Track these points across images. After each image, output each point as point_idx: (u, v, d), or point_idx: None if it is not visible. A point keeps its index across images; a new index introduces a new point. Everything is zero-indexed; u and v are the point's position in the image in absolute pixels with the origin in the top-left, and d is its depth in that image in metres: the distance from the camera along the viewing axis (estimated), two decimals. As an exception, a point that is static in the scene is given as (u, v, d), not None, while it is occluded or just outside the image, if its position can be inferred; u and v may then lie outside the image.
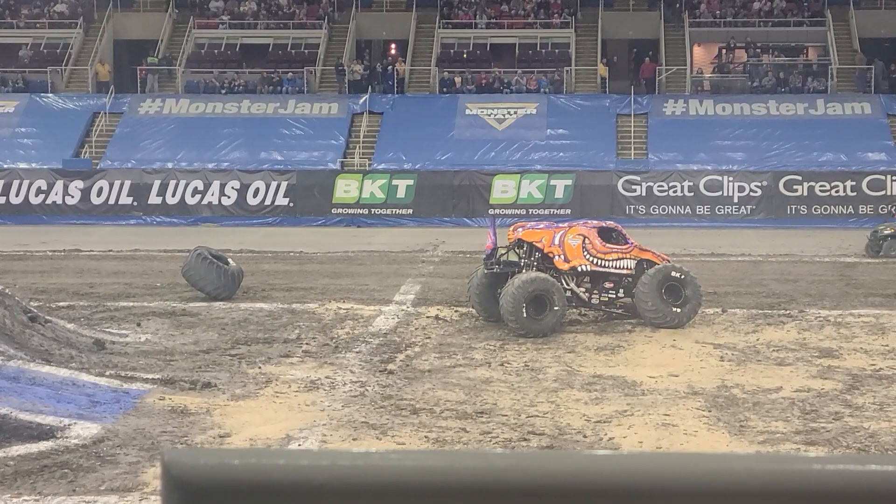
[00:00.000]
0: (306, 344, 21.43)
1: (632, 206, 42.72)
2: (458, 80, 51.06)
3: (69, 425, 15.27)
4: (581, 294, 23.40)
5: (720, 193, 42.93)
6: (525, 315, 21.88)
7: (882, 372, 19.16)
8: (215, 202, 43.97)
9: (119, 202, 44.07)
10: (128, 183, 44.17)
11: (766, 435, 15.53)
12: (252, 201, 43.91)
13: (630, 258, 23.58)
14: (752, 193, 42.86)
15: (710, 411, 16.72)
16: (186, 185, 44.02)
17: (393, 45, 56.87)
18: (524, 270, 23.08)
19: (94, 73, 52.41)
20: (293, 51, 54.09)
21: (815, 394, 17.68)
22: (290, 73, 51.87)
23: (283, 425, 15.83)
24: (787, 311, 24.73)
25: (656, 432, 15.62)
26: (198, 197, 43.98)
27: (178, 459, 1.43)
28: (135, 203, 44.07)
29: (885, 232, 33.39)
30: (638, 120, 48.23)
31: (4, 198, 44.38)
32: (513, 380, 18.70)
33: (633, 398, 17.45)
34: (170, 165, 45.96)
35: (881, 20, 53.75)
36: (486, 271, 23.44)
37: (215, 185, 44.02)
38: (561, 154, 46.64)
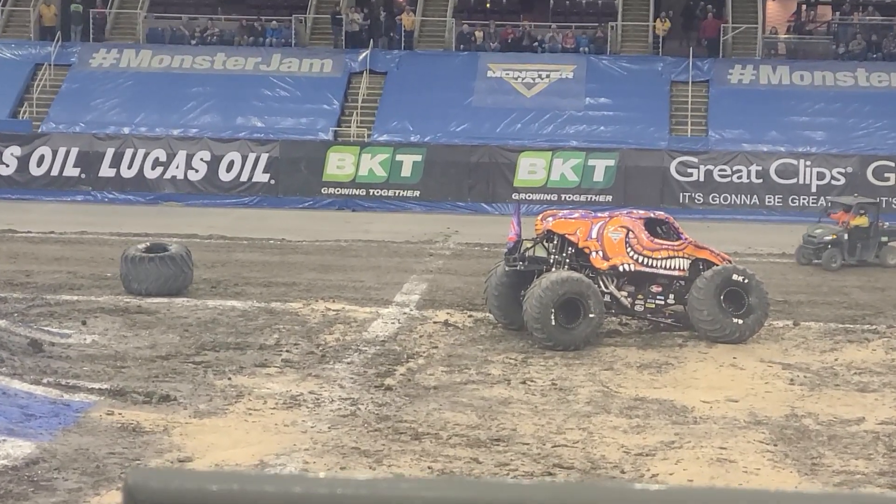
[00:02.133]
0: (287, 351, 21.48)
1: (687, 194, 42.69)
2: (478, 34, 51.04)
3: (-3, 443, 15.32)
4: (622, 299, 23.41)
5: (795, 181, 42.86)
6: (554, 323, 21.90)
7: None
8: (180, 177, 44.01)
9: (64, 173, 44.11)
10: (75, 150, 44.21)
11: (844, 475, 15.54)
12: (225, 177, 43.95)
13: (683, 257, 23.59)
14: (833, 182, 42.79)
15: (775, 445, 16.74)
16: (146, 155, 44.06)
17: (401, -9, 56.86)
18: (554, 269, 23.10)
19: (37, 17, 52.48)
20: (279, -5, 54.14)
21: (905, 427, 17.70)
22: (275, 22, 51.90)
23: (256, 449, 15.88)
24: (873, 326, 24.71)
25: (710, 469, 15.65)
26: (159, 170, 44.02)
27: (145, 482, 1.43)
28: (83, 175, 44.11)
29: (826, 238, 32.25)
30: (697, 88, 48.17)
31: (-75, 165, 44.51)
32: (536, 401, 18.73)
33: (683, 427, 17.48)
34: (126, 131, 46.00)
35: None
36: (507, 269, 23.46)
37: (181, 156, 44.06)
38: (602, 128, 46.62)
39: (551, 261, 23.38)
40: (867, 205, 32.57)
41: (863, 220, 32.02)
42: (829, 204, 34.82)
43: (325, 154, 44.14)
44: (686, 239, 23.83)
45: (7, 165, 44.27)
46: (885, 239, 32.33)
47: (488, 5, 53.35)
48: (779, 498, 1.56)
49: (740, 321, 22.86)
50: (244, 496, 1.52)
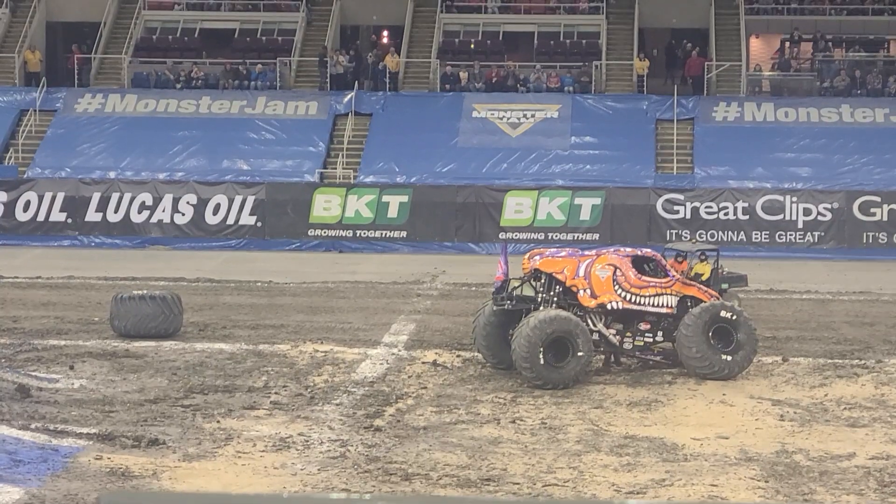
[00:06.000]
0: (275, 394, 21.43)
1: (674, 231, 42.74)
2: (463, 75, 51.16)
3: (-15, 489, 15.26)
4: (611, 337, 23.39)
5: (781, 217, 42.94)
6: (542, 362, 21.87)
7: (977, 436, 19.17)
8: (167, 220, 43.96)
9: (50, 219, 44.05)
10: (61, 196, 44.17)
11: (836, 511, 15.53)
12: (212, 220, 43.92)
13: (671, 294, 23.59)
14: (820, 217, 42.87)
15: (766, 481, 16.71)
16: (132, 200, 44.02)
17: (385, 33, 56.98)
18: (542, 307, 23.08)
19: (21, 63, 52.52)
20: (264, 38, 54.20)
21: (896, 462, 17.69)
22: (260, 65, 51.98)
23: (246, 492, 15.82)
24: (862, 362, 24.71)
25: (701, 506, 15.62)
26: (146, 214, 43.98)
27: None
28: (69, 220, 44.05)
29: None
30: (682, 126, 48.28)
31: (-90, 212, 44.40)
32: (526, 440, 18.69)
33: (674, 464, 17.45)
34: (112, 175, 45.95)
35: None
36: (495, 308, 23.43)
37: (167, 200, 44.03)
38: (588, 167, 46.68)
39: (539, 300, 23.36)
40: (708, 251, 30.06)
41: (704, 268, 29.58)
42: (664, 250, 32.09)
43: (312, 196, 44.16)
44: (674, 276, 23.85)
45: (-7, 211, 44.25)
46: (725, 286, 30.17)
47: (472, 46, 53.45)
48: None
49: (729, 358, 22.84)
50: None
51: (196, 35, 54.59)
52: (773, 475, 16.98)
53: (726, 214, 43.02)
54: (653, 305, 23.46)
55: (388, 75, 51.40)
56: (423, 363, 24.05)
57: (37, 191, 44.25)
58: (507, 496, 16.02)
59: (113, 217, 43.92)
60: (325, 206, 43.87)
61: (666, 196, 43.41)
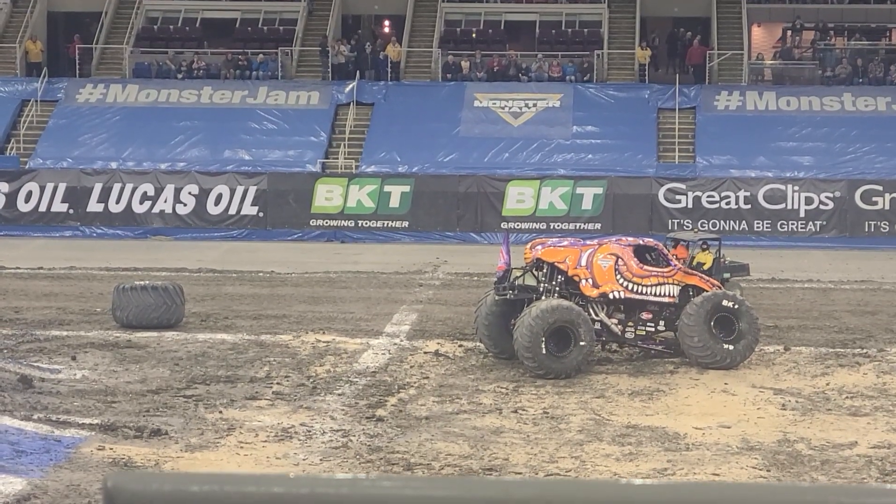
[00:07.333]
0: (277, 384, 21.43)
1: (676, 221, 42.75)
2: (465, 64, 51.13)
3: (-12, 480, 15.27)
4: (613, 326, 23.39)
5: (783, 206, 42.94)
6: (544, 351, 21.86)
7: (979, 425, 19.17)
8: (168, 210, 43.99)
9: (52, 209, 44.09)
10: (63, 186, 44.20)
11: (837, 500, 15.53)
12: (213, 210, 43.94)
13: (673, 283, 23.59)
14: (821, 206, 42.87)
15: (768, 471, 16.72)
16: (134, 190, 44.06)
17: (386, 22, 56.94)
18: (544, 297, 23.08)
19: (23, 53, 52.51)
20: (265, 27, 54.20)
21: (897, 451, 17.70)
22: (262, 55, 51.96)
23: (248, 482, 15.85)
24: (864, 350, 24.71)
25: (703, 495, 15.63)
26: (147, 204, 44.01)
27: (125, 485, 1.44)
28: (71, 211, 44.09)
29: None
30: (684, 115, 48.27)
31: (-88, 202, 44.42)
32: (528, 430, 18.70)
33: (676, 454, 17.46)
34: (114, 165, 45.98)
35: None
36: (497, 298, 23.43)
37: (169, 190, 44.05)
38: (590, 156, 46.67)
39: (541, 289, 23.35)
40: (710, 240, 29.33)
41: (706, 257, 28.83)
42: (666, 239, 31.09)
43: (314, 186, 44.18)
44: (675, 265, 23.84)
45: (-5, 202, 44.28)
46: (727, 276, 29.43)
47: (474, 35, 53.42)
48: (758, 491, 1.59)
49: (731, 347, 22.83)
50: (224, 496, 1.53)
51: (197, 25, 54.61)
52: (774, 464, 16.99)
53: (728, 203, 43.04)
54: (655, 295, 23.45)
55: (389, 65, 51.38)
56: (425, 353, 24.05)
57: (38, 181, 44.28)
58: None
59: (115, 207, 43.97)
60: (327, 196, 43.89)
61: (668, 185, 43.42)
